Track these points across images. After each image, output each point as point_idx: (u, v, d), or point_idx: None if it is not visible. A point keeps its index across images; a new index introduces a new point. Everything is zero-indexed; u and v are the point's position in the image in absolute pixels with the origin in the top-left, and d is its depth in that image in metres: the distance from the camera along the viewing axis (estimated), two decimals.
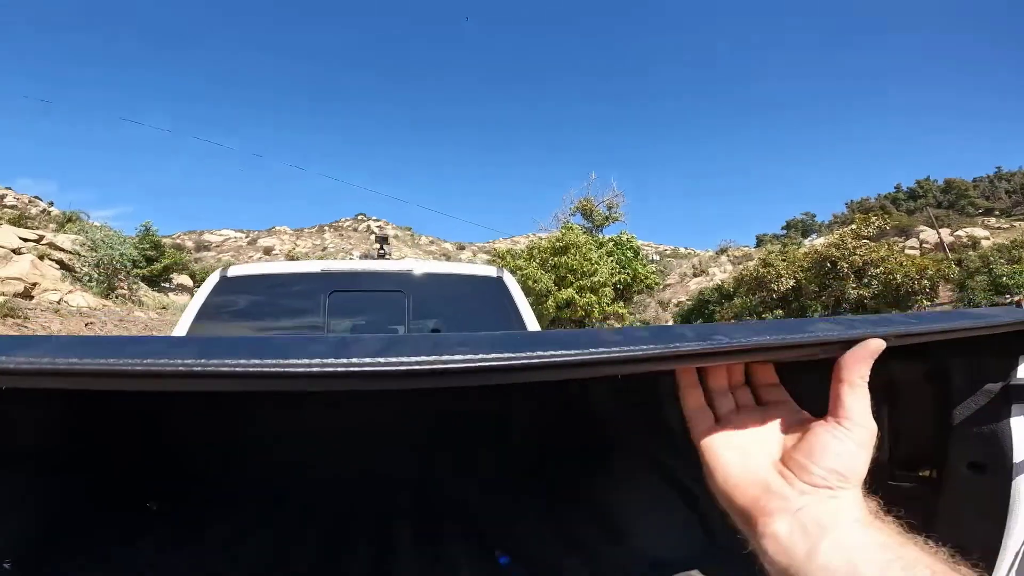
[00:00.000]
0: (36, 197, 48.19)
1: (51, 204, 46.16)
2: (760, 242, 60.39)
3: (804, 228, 59.51)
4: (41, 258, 21.90)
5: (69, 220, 30.45)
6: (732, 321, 17.17)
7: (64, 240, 24.02)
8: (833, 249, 13.13)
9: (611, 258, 18.55)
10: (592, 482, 1.58)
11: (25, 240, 22.72)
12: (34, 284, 20.09)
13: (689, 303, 36.81)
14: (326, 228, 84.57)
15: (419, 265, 3.12)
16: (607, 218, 21.11)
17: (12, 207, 38.10)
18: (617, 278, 17.87)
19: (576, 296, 15.71)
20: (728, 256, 53.34)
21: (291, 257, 37.02)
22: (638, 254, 20.05)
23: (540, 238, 23.05)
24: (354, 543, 1.51)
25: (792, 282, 13.78)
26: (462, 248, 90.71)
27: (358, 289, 2.95)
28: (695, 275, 51.22)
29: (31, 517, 1.27)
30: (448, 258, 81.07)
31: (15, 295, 17.95)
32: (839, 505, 0.46)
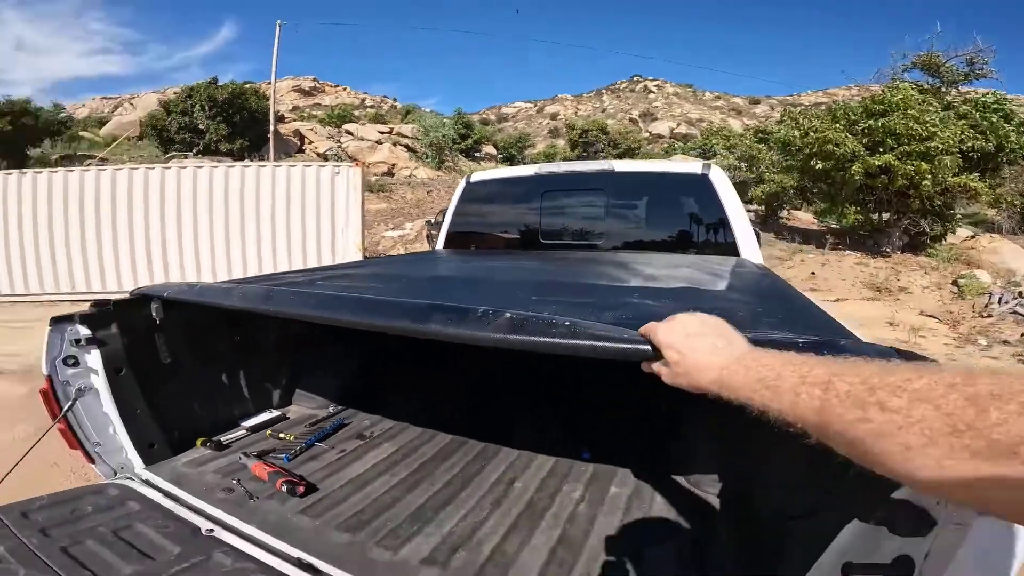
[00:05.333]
0: (384, 96, 61.63)
1: (395, 100, 58.83)
2: None
3: None
4: (394, 145, 28.82)
5: (407, 112, 38.47)
6: None
7: (406, 129, 30.97)
8: None
9: (963, 121, 13.87)
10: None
11: (382, 132, 30.38)
12: (392, 165, 26.64)
13: None
14: (603, 92, 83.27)
15: (620, 164, 3.42)
16: (966, 75, 15.44)
17: (370, 107, 50.25)
18: (968, 144, 13.49)
19: (896, 163, 12.42)
20: None
21: (570, 126, 38.70)
22: (1010, 119, 14.38)
23: (849, 89, 18.30)
24: (510, 405, 2.44)
25: None
26: (756, 103, 77.61)
27: (565, 188, 3.42)
28: None
29: (353, 375, 2.39)
30: (739, 112, 70.95)
31: (382, 175, 24.40)
32: None
